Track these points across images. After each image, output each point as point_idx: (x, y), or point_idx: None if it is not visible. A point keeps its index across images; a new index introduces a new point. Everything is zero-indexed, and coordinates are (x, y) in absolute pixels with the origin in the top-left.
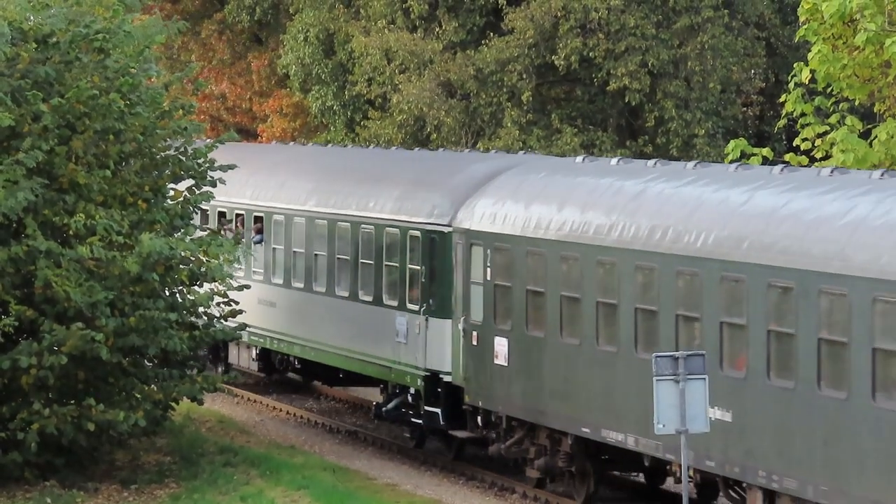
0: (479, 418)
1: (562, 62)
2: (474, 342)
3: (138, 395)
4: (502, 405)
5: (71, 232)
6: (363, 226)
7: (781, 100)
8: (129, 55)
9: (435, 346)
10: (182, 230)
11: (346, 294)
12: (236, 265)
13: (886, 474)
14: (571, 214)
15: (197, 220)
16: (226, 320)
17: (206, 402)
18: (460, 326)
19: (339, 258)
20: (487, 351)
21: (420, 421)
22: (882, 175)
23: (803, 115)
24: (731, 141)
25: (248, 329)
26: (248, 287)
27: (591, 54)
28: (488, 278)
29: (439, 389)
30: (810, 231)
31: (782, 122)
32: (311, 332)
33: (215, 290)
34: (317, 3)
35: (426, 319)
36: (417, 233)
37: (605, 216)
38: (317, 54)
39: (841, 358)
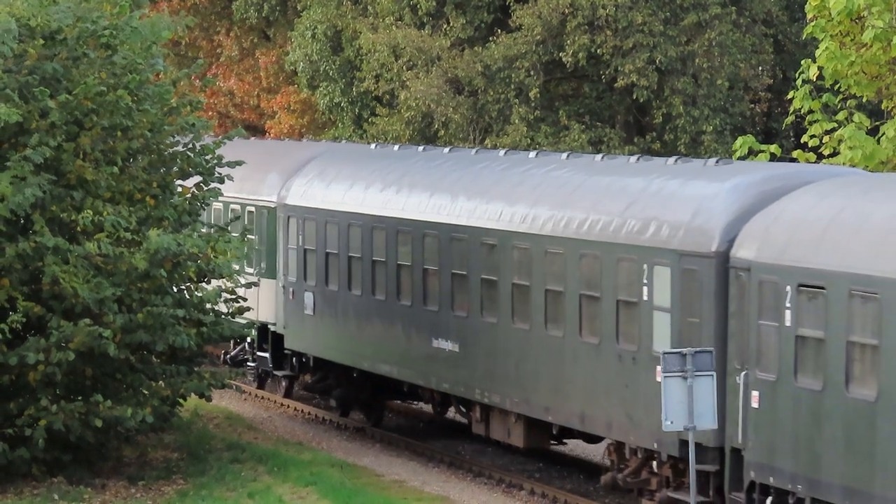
0: (294, 360)
1: (569, 59)
2: (291, 297)
3: (146, 392)
4: (310, 348)
5: (79, 228)
6: (214, 204)
7: (789, 96)
8: (136, 51)
9: (265, 302)
10: (190, 227)
11: None
12: None
13: (553, 384)
14: (357, 191)
15: None
16: (233, 317)
17: (213, 399)
18: (281, 284)
19: None
20: (299, 304)
21: (254, 364)
22: (567, 156)
23: (811, 111)
24: (739, 137)
25: None
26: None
27: (598, 51)
28: (300, 244)
29: (269, 338)
30: (499, 199)
31: (790, 118)
32: None
33: (223, 286)
34: (324, 0)
35: (259, 280)
36: (253, 208)
37: (379, 192)
38: (324, 51)
39: (526, 297)
